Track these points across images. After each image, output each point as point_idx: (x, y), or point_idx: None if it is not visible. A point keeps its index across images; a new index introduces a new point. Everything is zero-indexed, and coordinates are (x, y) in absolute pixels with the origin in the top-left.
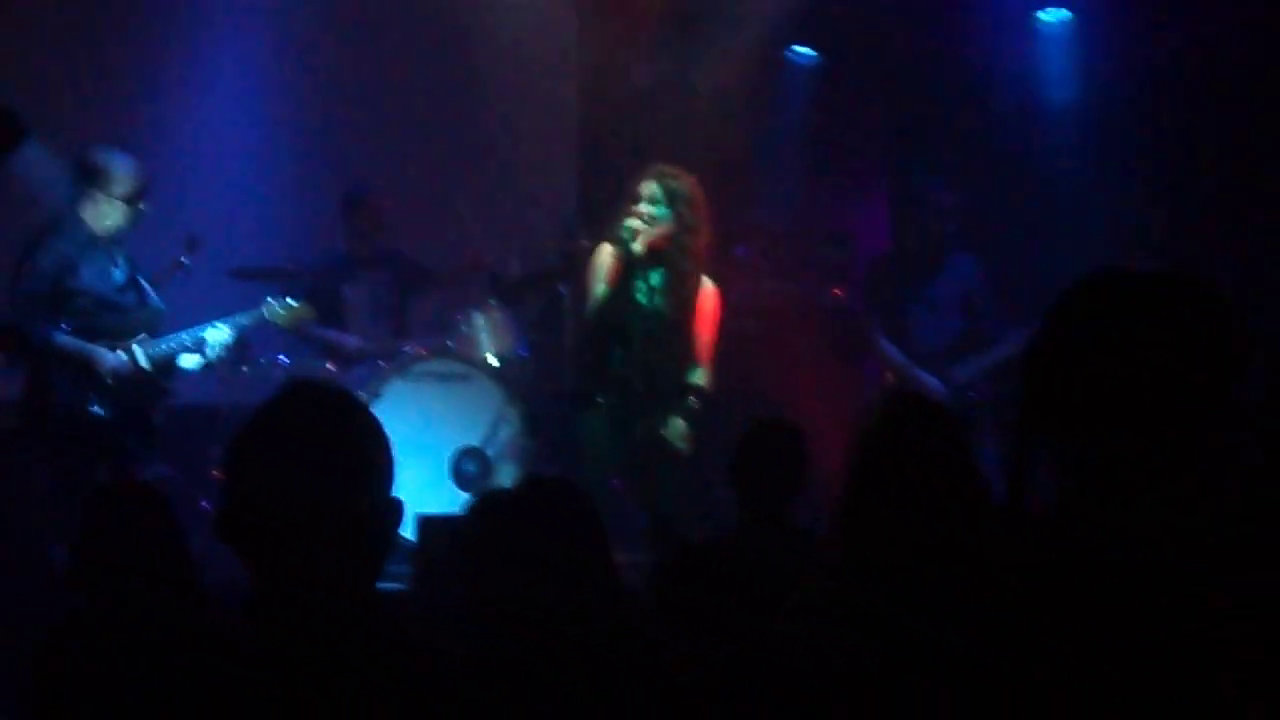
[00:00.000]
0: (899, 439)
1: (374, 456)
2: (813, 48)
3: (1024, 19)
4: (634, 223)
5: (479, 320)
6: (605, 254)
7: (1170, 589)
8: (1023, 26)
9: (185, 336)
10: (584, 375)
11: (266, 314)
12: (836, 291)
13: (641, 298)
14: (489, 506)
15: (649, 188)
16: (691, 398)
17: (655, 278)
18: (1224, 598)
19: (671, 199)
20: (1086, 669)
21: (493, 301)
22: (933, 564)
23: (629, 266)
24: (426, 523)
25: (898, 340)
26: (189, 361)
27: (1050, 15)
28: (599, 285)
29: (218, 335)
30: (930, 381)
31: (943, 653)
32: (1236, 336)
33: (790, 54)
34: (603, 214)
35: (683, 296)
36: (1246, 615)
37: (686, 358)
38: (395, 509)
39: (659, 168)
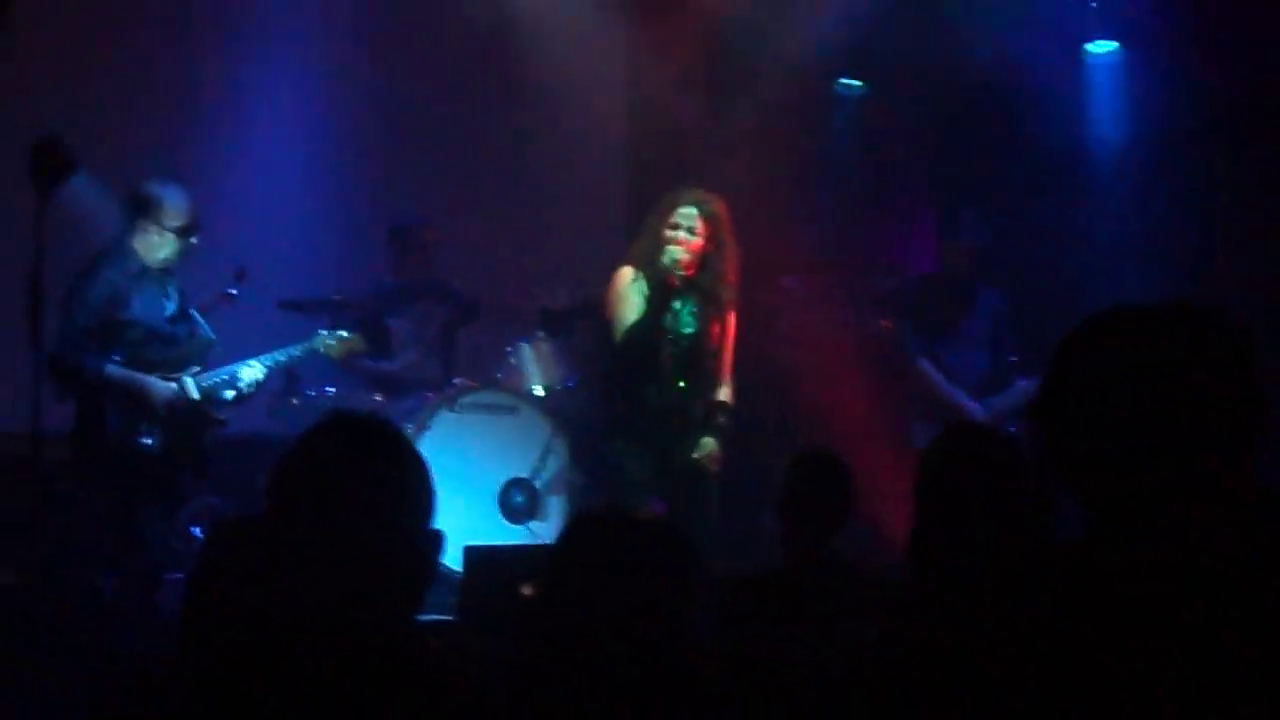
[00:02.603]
0: (965, 472)
1: (413, 487)
2: (861, 79)
3: (1073, 51)
4: (679, 251)
5: (527, 352)
6: (628, 278)
7: (1208, 618)
8: (1071, 58)
9: (226, 371)
10: (618, 403)
11: (317, 345)
12: (885, 323)
13: (676, 323)
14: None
15: (687, 212)
16: (721, 416)
17: (689, 302)
18: (1260, 623)
19: (709, 223)
20: (1144, 703)
21: (540, 333)
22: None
23: (665, 292)
24: (474, 553)
25: (939, 364)
26: (237, 395)
27: (1098, 48)
28: (629, 311)
29: (251, 374)
30: (973, 407)
31: (1012, 690)
32: (1254, 367)
33: (838, 86)
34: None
35: (716, 321)
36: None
37: (716, 379)
38: (435, 540)
39: (693, 192)
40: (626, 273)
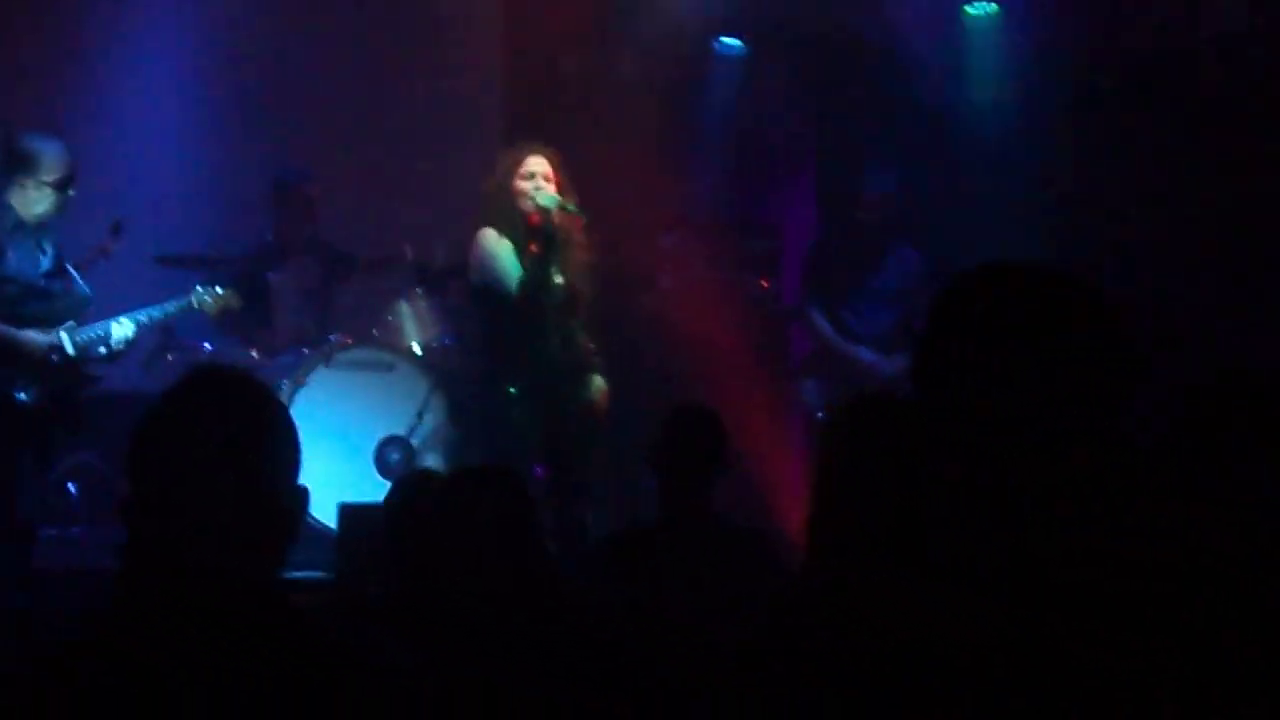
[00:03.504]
0: (866, 441)
1: (278, 442)
2: (739, 38)
3: (952, 11)
4: (553, 197)
5: (404, 309)
6: (493, 237)
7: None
8: (950, 19)
9: (109, 323)
10: (501, 359)
11: (194, 301)
12: (763, 282)
13: (551, 274)
14: (417, 490)
15: (538, 161)
16: (597, 358)
17: (555, 251)
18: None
19: (557, 171)
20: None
21: (418, 290)
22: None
23: (547, 243)
24: (349, 511)
25: (835, 323)
26: (102, 350)
27: (977, 9)
28: (504, 268)
29: (121, 330)
30: (867, 355)
31: (913, 650)
32: (1122, 333)
33: (717, 44)
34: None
35: (582, 267)
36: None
37: (584, 325)
38: (300, 496)
39: (532, 144)
40: (490, 233)
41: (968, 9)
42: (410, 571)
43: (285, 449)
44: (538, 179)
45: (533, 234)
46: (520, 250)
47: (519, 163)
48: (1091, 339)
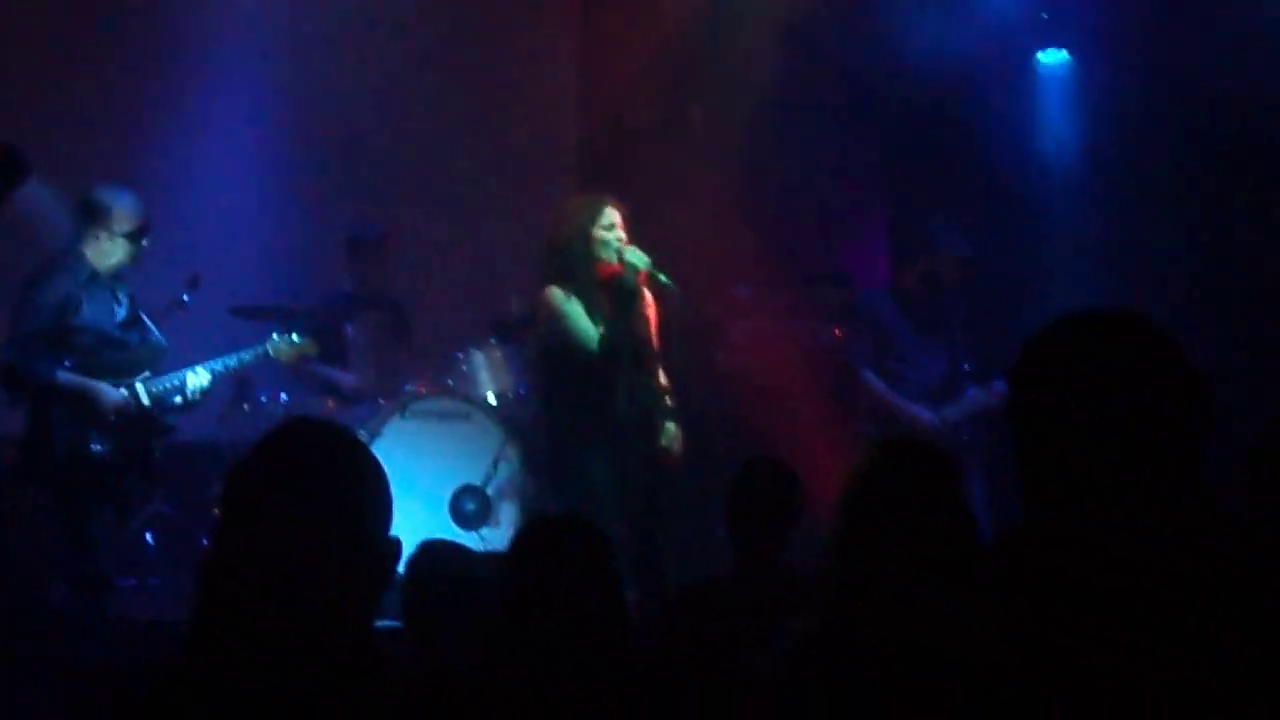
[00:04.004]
0: (890, 482)
1: (371, 494)
2: (814, 87)
3: (1024, 61)
4: (643, 257)
5: (478, 359)
6: (560, 296)
7: (1145, 612)
8: (1022, 67)
9: (174, 377)
10: (575, 412)
11: (270, 350)
12: (836, 332)
13: (630, 329)
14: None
15: (613, 214)
16: (672, 402)
17: (631, 305)
18: (1200, 612)
19: (626, 222)
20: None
21: (492, 340)
22: (921, 599)
23: (623, 298)
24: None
25: (889, 377)
26: (189, 399)
27: (1049, 57)
28: (578, 326)
29: (196, 380)
30: (922, 414)
31: (932, 687)
32: (1192, 373)
33: (791, 93)
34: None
35: (651, 319)
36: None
37: (659, 374)
38: (393, 548)
39: (603, 195)
40: (556, 291)
41: (1040, 55)
42: (486, 621)
43: (377, 500)
44: (617, 230)
45: (608, 286)
46: (591, 305)
47: (598, 212)
48: (1174, 386)
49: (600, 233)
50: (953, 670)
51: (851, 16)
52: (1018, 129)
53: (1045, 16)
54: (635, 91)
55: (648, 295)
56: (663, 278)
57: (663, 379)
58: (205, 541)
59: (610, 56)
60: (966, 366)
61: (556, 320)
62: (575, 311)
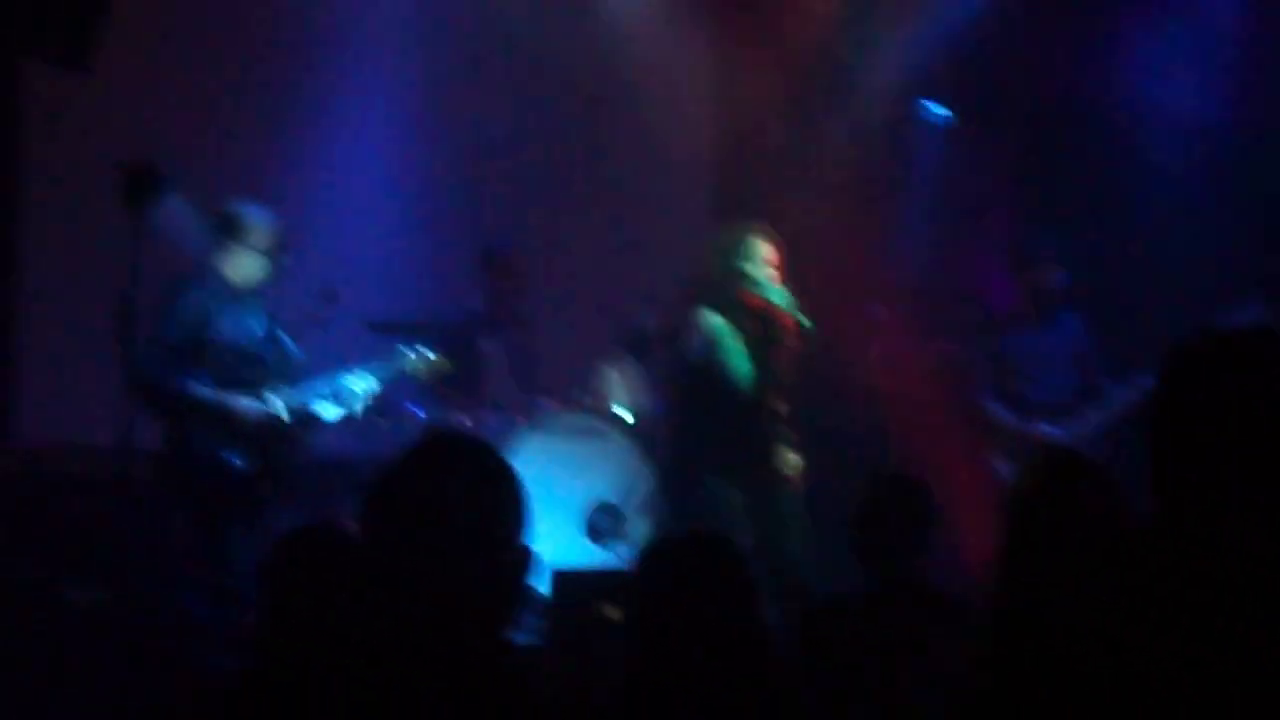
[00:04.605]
0: (1055, 497)
1: (510, 505)
2: (947, 104)
3: (1160, 75)
4: (787, 297)
5: (613, 375)
6: (716, 321)
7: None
8: (1159, 82)
9: (323, 386)
10: (709, 434)
11: (404, 364)
12: (961, 350)
13: (775, 366)
14: (653, 560)
15: (769, 250)
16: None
17: (775, 340)
18: None
19: (781, 257)
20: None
21: (627, 357)
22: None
23: (765, 333)
24: (561, 577)
25: (1015, 399)
26: (329, 413)
27: (1184, 73)
28: (729, 353)
29: (361, 384)
30: (1050, 432)
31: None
32: None
33: (922, 110)
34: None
35: (788, 354)
36: None
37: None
38: (528, 557)
39: (760, 226)
40: (711, 315)
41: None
42: (634, 637)
43: (516, 510)
44: (765, 264)
45: (753, 318)
46: (740, 334)
47: (747, 244)
48: None
49: (748, 266)
50: (1132, 685)
51: (985, 28)
52: (1148, 142)
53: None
54: (767, 109)
55: (787, 331)
56: (803, 320)
57: (784, 409)
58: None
59: (743, 75)
60: (1101, 381)
61: (710, 345)
62: (728, 339)
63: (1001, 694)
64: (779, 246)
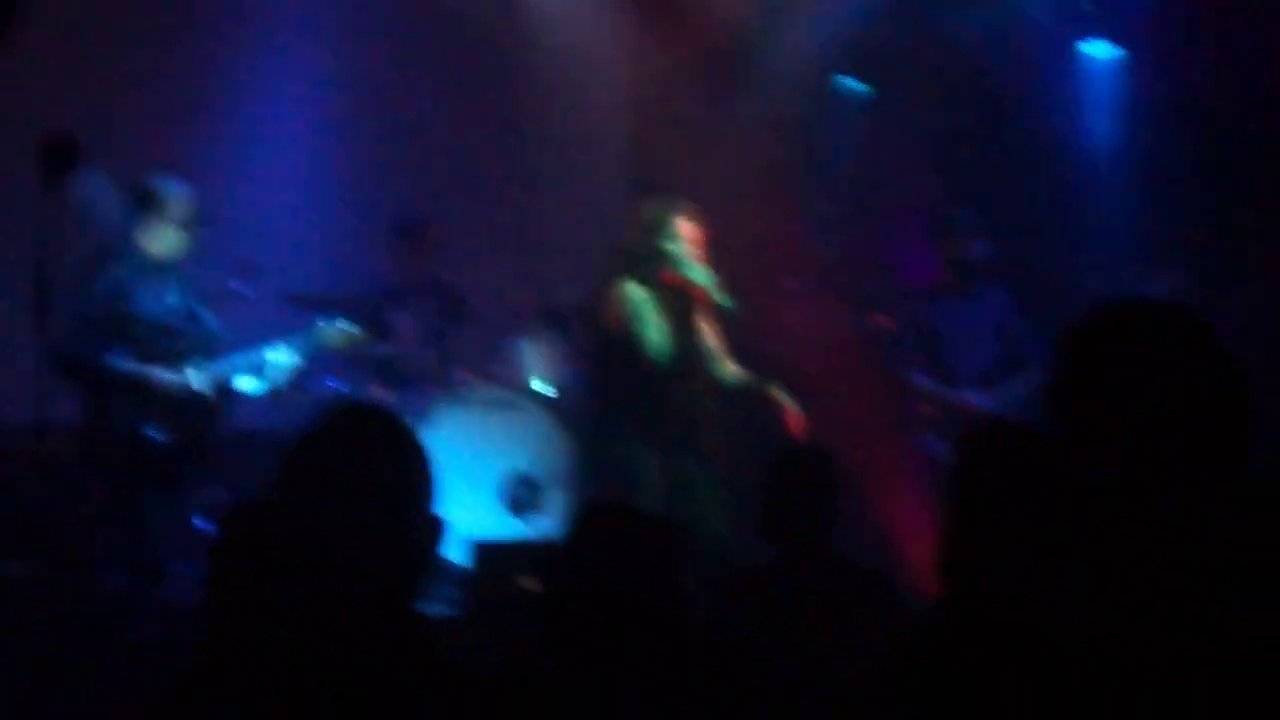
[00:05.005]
0: (998, 468)
1: (417, 475)
2: (860, 78)
3: (1067, 50)
4: (705, 276)
5: (530, 349)
6: (636, 293)
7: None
8: (1066, 57)
9: (243, 359)
10: (626, 405)
11: (322, 338)
12: (880, 320)
13: (693, 336)
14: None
15: (690, 228)
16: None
17: (692, 311)
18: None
19: (702, 234)
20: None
21: (544, 330)
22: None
23: (687, 308)
24: (480, 548)
25: (939, 369)
26: (249, 385)
27: (1096, 49)
28: (647, 326)
29: (280, 357)
30: (976, 399)
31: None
32: (1232, 361)
33: (837, 84)
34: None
35: (710, 329)
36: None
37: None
38: (437, 527)
39: (678, 200)
40: (632, 288)
41: (1084, 47)
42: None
43: (424, 480)
44: (685, 242)
45: (671, 293)
46: (659, 309)
47: (668, 221)
48: (1219, 373)
49: (669, 243)
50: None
51: (898, 7)
52: (1061, 119)
53: (1088, 6)
54: (682, 81)
55: (707, 306)
56: (723, 299)
57: (714, 382)
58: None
59: (658, 49)
60: (1022, 349)
61: (627, 317)
62: (647, 312)
63: (952, 672)
64: (700, 223)
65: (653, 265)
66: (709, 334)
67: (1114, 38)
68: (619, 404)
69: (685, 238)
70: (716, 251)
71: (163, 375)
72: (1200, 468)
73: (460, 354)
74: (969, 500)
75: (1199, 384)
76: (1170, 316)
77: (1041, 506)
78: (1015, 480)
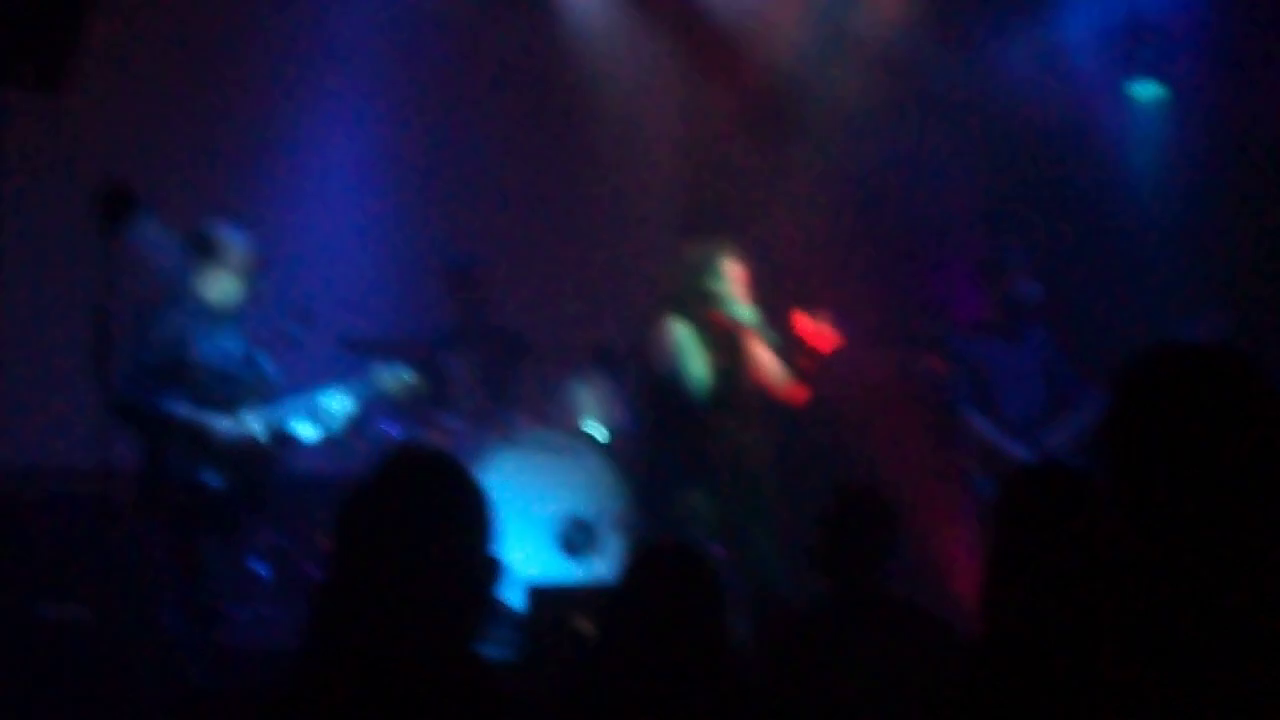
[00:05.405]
0: (1044, 509)
1: (476, 518)
2: (908, 122)
3: (1115, 91)
4: (752, 316)
5: (584, 392)
6: (682, 332)
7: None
8: (1115, 99)
9: (300, 405)
10: (678, 445)
11: (378, 383)
12: (932, 361)
13: (738, 375)
14: (632, 574)
15: (735, 268)
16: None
17: (738, 351)
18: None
19: (747, 273)
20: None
21: (598, 373)
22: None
23: (735, 346)
24: (536, 592)
25: (989, 410)
26: (307, 432)
27: (1144, 89)
28: (693, 363)
29: (337, 404)
30: (1020, 452)
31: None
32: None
33: (886, 127)
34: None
35: (759, 368)
36: None
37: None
38: (494, 567)
39: (723, 242)
40: (678, 326)
41: (1135, 87)
42: (598, 652)
43: (482, 520)
44: (730, 282)
45: (717, 333)
46: (705, 346)
47: (713, 262)
48: (1270, 418)
49: (715, 283)
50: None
51: (948, 48)
52: (1111, 159)
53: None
54: (736, 128)
55: (755, 345)
56: (771, 336)
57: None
58: (315, 570)
59: (711, 94)
60: (1068, 391)
61: (671, 354)
62: (690, 349)
63: (989, 709)
64: (746, 263)
65: (698, 305)
66: (759, 370)
67: (1159, 77)
68: (669, 444)
69: (730, 277)
70: (768, 294)
71: (220, 421)
72: (1248, 513)
73: (516, 397)
74: (1009, 539)
75: (1250, 428)
76: (1221, 360)
77: (1081, 549)
78: (1056, 521)
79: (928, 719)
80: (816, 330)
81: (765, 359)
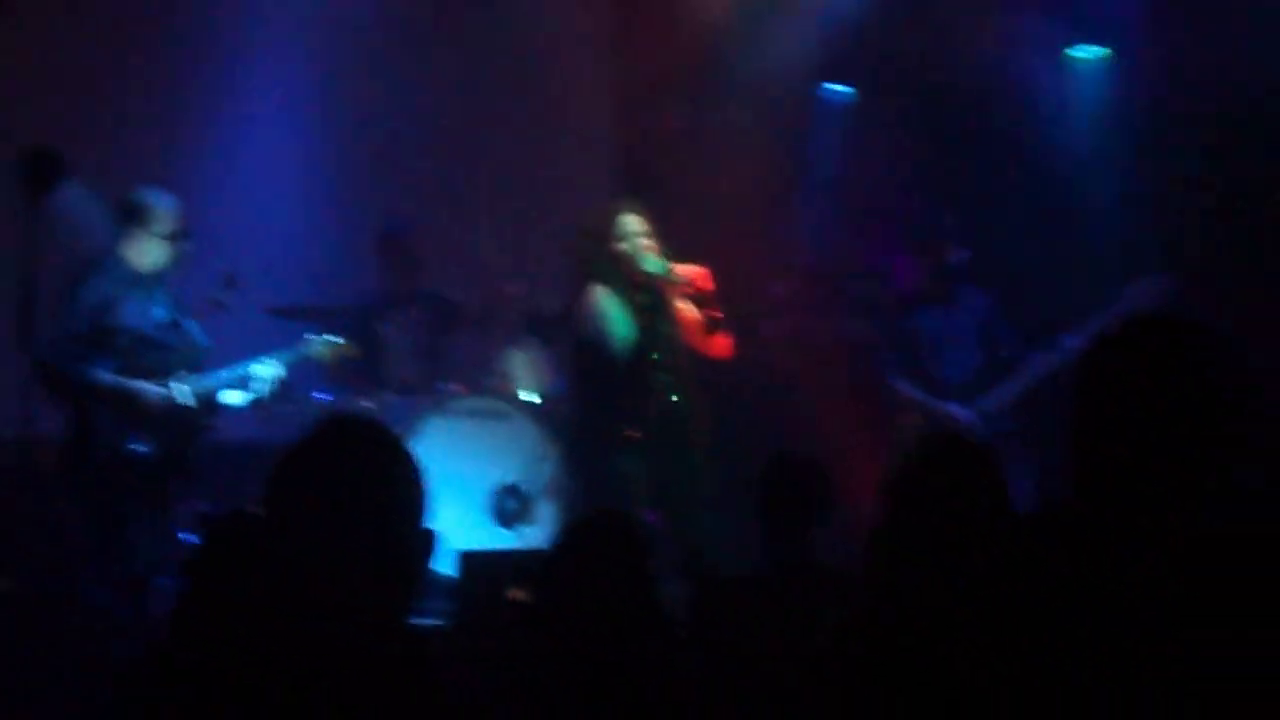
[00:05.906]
0: (934, 481)
1: (407, 488)
2: (844, 84)
3: (1055, 54)
4: (657, 262)
5: (516, 358)
6: (603, 295)
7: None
8: (1054, 62)
9: (227, 373)
10: (608, 410)
11: (309, 350)
12: (865, 328)
13: (662, 331)
14: (565, 541)
15: (634, 222)
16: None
17: (661, 309)
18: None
19: (650, 225)
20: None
21: (529, 339)
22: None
23: (656, 301)
24: (469, 559)
25: (923, 376)
26: (236, 398)
27: (1083, 52)
28: (616, 325)
29: (266, 370)
30: (959, 412)
31: (973, 684)
32: (1244, 377)
33: (822, 91)
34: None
35: (683, 320)
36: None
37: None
38: (428, 539)
39: (628, 200)
40: (599, 289)
41: (1071, 50)
42: (529, 619)
43: (413, 493)
44: (637, 237)
45: (636, 289)
46: (627, 306)
47: (614, 222)
48: (1233, 386)
49: (619, 244)
50: (989, 657)
51: (883, 12)
52: (1049, 123)
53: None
54: (669, 92)
55: (676, 298)
56: (674, 278)
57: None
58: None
59: (643, 57)
60: (1006, 354)
61: (595, 319)
62: (614, 312)
63: (868, 668)
64: (644, 216)
65: (612, 268)
66: (684, 323)
67: (1099, 39)
68: (598, 409)
69: (635, 233)
70: (699, 257)
71: (147, 388)
72: (1205, 483)
73: (448, 364)
74: (900, 507)
75: (1212, 401)
76: (1188, 334)
77: (964, 521)
78: (941, 494)
79: (808, 679)
80: (704, 275)
81: (687, 311)
